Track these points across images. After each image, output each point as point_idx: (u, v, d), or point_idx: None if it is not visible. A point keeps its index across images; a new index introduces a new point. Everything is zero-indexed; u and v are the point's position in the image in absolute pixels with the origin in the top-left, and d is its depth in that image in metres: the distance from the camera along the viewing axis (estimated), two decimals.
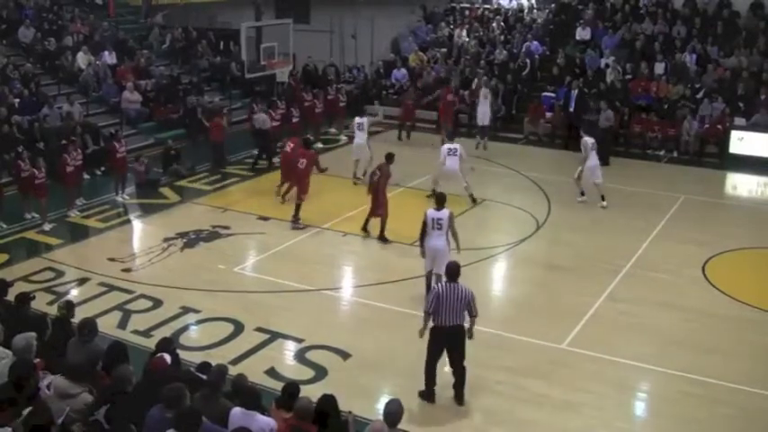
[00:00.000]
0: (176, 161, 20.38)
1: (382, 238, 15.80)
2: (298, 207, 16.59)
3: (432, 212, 12.55)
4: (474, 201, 17.76)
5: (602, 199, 17.77)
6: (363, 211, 16.31)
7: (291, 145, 18.13)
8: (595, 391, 10.57)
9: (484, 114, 22.54)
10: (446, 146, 17.74)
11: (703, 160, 21.84)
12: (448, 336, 9.96)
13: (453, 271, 10.02)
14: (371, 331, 12.27)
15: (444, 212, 12.52)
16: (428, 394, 10.20)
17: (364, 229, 16.12)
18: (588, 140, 17.78)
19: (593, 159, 17.66)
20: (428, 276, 12.78)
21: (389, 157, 16.32)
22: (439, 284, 10.09)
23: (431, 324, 9.97)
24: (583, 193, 18.05)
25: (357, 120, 19.80)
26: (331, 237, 16.19)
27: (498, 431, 9.85)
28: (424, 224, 12.55)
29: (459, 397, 10.21)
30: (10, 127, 19.69)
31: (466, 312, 9.97)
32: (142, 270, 14.57)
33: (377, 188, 15.90)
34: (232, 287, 13.82)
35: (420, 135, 23.76)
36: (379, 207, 15.88)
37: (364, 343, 11.74)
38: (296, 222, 16.51)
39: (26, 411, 6.57)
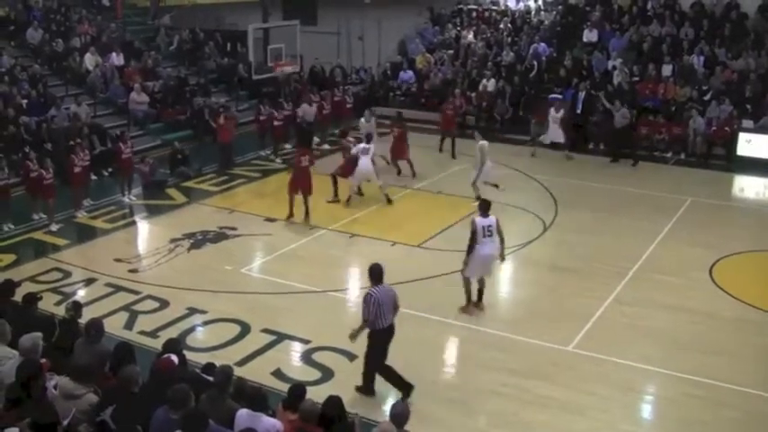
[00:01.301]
0: (183, 162, 20.43)
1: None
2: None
3: (481, 220, 12.35)
4: (389, 201, 17.86)
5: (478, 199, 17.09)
6: (370, 213, 16.32)
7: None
8: (601, 393, 10.56)
9: (555, 133, 22.18)
10: (362, 145, 17.81)
11: (710, 162, 21.76)
12: (388, 335, 10.15)
13: (379, 273, 10.10)
14: None
15: (492, 219, 12.42)
16: (370, 390, 10.28)
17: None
18: (485, 144, 17.74)
19: (489, 162, 17.71)
20: (468, 282, 12.68)
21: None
22: (374, 290, 9.99)
23: (372, 328, 10.07)
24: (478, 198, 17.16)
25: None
26: (338, 238, 16.20)
27: None
28: (474, 233, 12.29)
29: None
30: (18, 128, 19.78)
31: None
32: (149, 271, 14.61)
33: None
34: (239, 288, 13.84)
35: (423, 137, 23.70)
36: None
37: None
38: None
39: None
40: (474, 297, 12.79)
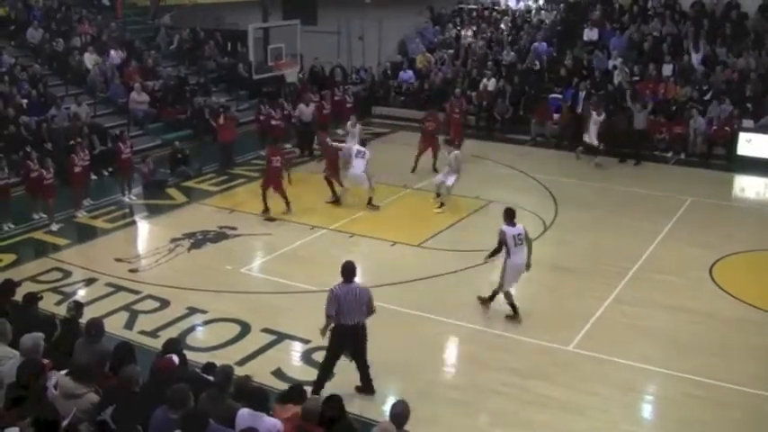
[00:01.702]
0: (184, 162, 20.43)
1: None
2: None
3: (509, 229, 12.19)
4: (374, 207, 17.58)
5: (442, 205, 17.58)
6: (370, 213, 16.32)
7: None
8: (601, 393, 10.56)
9: (593, 135, 21.40)
10: (356, 147, 17.57)
11: (711, 162, 21.77)
12: (347, 334, 10.01)
13: (349, 271, 9.99)
14: (378, 332, 12.17)
15: (521, 227, 12.30)
16: (318, 388, 10.12)
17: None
18: (458, 154, 17.56)
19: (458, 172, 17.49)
20: (509, 296, 12.53)
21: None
22: (336, 286, 9.93)
23: (332, 325, 10.01)
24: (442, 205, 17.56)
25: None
26: (338, 238, 16.20)
27: None
28: (504, 243, 12.20)
29: (367, 388, 10.25)
30: (18, 127, 19.77)
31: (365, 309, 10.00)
32: (149, 270, 14.61)
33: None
34: (239, 288, 13.84)
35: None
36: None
37: (371, 344, 11.64)
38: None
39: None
40: (490, 300, 12.70)
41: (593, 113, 21.39)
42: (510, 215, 12.34)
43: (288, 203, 17.23)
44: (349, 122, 20.80)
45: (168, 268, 14.71)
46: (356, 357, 10.24)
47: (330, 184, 17.81)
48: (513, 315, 12.52)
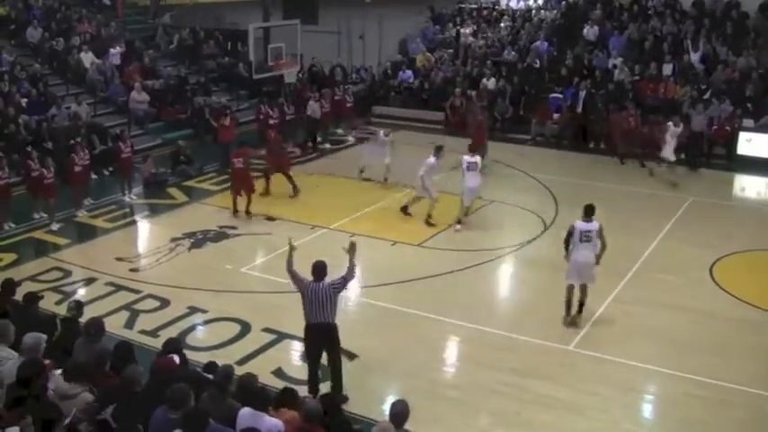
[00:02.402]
0: (186, 162, 20.42)
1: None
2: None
3: (580, 224, 12.05)
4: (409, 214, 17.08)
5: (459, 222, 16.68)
6: (369, 213, 16.32)
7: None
8: (602, 392, 10.55)
9: (670, 150, 19.70)
10: (465, 158, 16.44)
11: (711, 161, 21.75)
12: (318, 333, 9.95)
13: (319, 270, 9.96)
14: (378, 332, 12.28)
15: (594, 224, 12.02)
16: (312, 391, 10.10)
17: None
18: (466, 158, 16.54)
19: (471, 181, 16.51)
20: (569, 290, 12.36)
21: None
22: (309, 283, 9.92)
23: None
24: (459, 221, 16.63)
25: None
26: (338, 237, 16.17)
27: None
28: (570, 235, 12.08)
29: (338, 388, 10.07)
30: (18, 127, 19.77)
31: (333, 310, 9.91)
32: (149, 270, 14.61)
33: None
34: (239, 287, 13.85)
35: (425, 136, 23.69)
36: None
37: (371, 343, 11.73)
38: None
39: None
40: (574, 309, 12.37)
41: (670, 125, 19.64)
42: (588, 211, 12.09)
43: (250, 199, 17.27)
44: (382, 132, 20.08)
45: (169, 268, 14.71)
46: (328, 358, 10.06)
47: (265, 180, 18.29)
48: (564, 316, 12.34)
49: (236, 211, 17.30)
